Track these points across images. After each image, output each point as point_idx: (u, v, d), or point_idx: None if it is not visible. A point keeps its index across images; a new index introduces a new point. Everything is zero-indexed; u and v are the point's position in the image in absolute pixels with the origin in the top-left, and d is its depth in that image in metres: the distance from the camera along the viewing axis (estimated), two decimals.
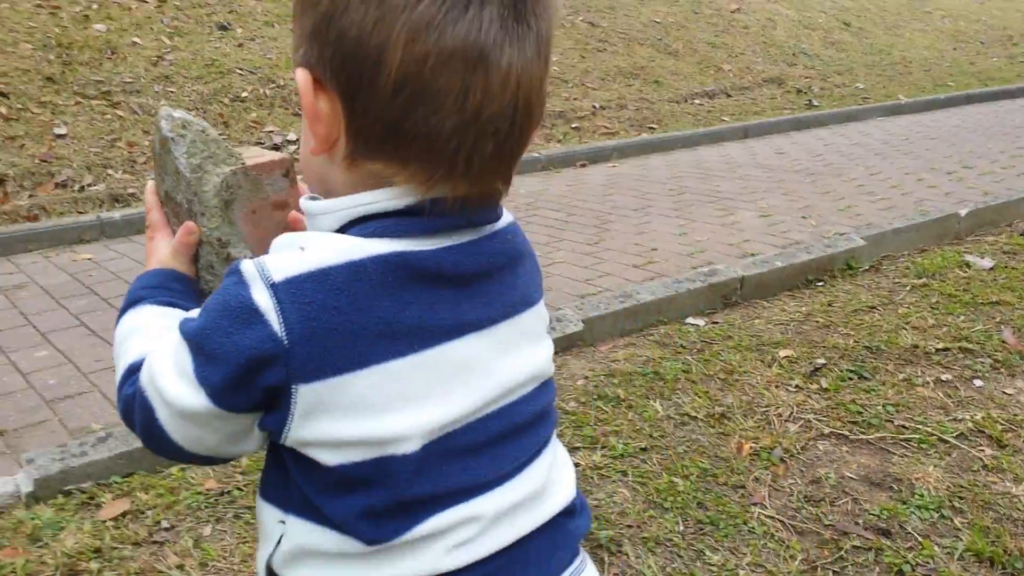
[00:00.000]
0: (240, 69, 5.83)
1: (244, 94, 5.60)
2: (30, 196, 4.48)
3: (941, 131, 7.17)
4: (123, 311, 0.83)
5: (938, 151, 6.25)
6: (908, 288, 3.43)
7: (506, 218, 0.80)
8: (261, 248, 0.82)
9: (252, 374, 0.67)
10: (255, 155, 0.89)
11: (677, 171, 5.82)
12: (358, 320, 0.68)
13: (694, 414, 2.44)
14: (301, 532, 0.74)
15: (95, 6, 6.07)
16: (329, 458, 0.70)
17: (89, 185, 4.62)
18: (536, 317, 0.82)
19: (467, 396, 0.74)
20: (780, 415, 2.46)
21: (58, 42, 5.53)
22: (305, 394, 0.68)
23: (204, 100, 5.45)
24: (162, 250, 0.88)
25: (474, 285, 0.75)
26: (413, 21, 0.64)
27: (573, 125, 6.76)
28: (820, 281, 3.54)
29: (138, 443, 2.12)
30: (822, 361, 2.78)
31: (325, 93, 0.69)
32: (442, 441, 0.73)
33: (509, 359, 0.77)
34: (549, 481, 0.82)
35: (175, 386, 0.71)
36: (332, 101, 0.69)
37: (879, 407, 2.50)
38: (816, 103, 8.26)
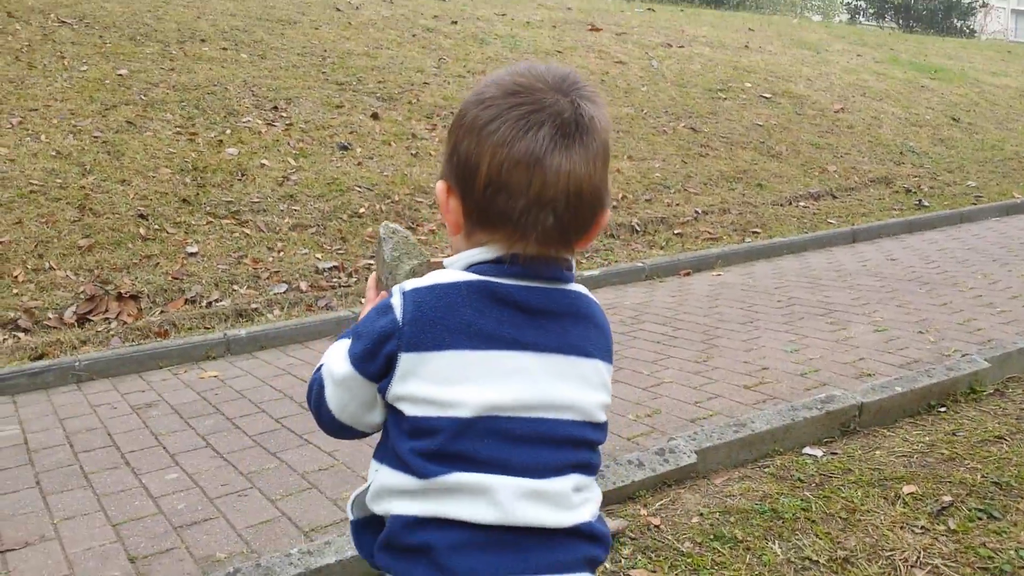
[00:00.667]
0: (359, 186, 6.14)
1: (361, 210, 5.88)
2: (161, 312, 4.77)
3: None
4: (337, 339, 1.18)
5: None
6: None
7: (579, 288, 1.13)
8: None
9: (380, 345, 1.05)
10: (437, 258, 1.26)
11: (784, 280, 5.76)
12: (448, 317, 1.03)
13: (815, 558, 2.36)
14: (385, 475, 1.07)
15: (228, 131, 6.55)
16: (410, 409, 1.04)
17: (216, 301, 4.89)
18: (593, 369, 1.11)
19: (516, 392, 1.04)
20: (906, 560, 2.36)
21: (194, 166, 5.97)
22: (405, 360, 1.03)
23: (324, 217, 5.75)
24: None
25: (536, 318, 1.06)
26: (495, 142, 1.00)
27: (676, 231, 6.79)
28: (943, 406, 3.41)
29: None
30: (949, 499, 2.67)
31: (452, 195, 1.07)
32: (489, 420, 1.03)
33: (558, 383, 1.07)
34: (573, 500, 1.07)
35: (336, 361, 1.11)
36: (456, 200, 1.06)
37: (1011, 551, 2.38)
38: (926, 203, 8.07)
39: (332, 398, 1.13)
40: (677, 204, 7.22)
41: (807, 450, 3.03)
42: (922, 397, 3.36)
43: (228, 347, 4.43)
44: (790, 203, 7.73)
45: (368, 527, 1.13)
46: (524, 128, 0.99)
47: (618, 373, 3.89)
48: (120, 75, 7.04)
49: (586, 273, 5.72)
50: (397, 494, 1.05)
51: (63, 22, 7.86)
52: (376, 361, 1.05)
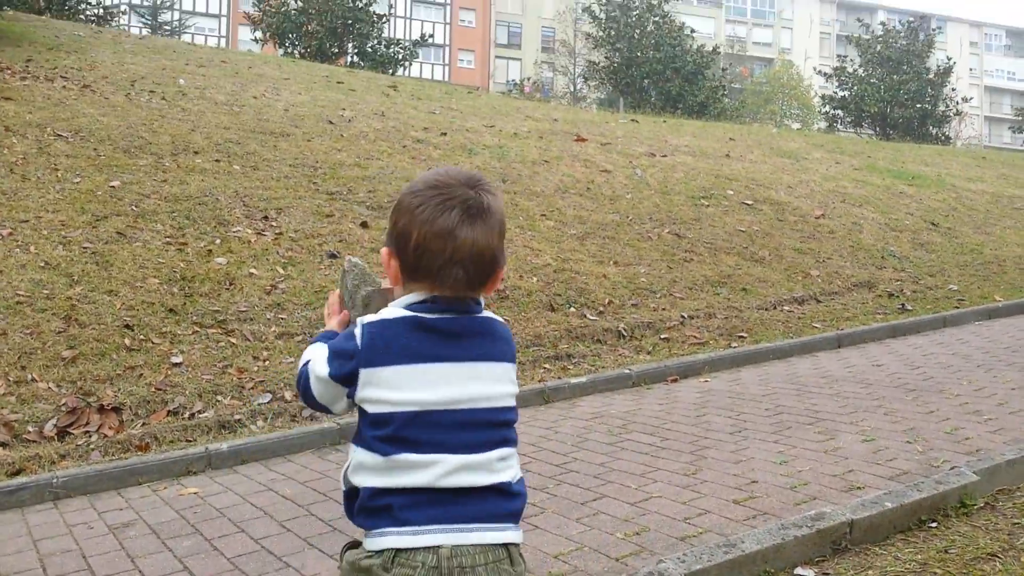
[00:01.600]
0: None
1: None
2: (143, 424, 4.71)
3: None
4: (312, 342, 1.63)
5: None
6: None
7: (486, 314, 1.55)
8: None
9: (346, 363, 1.49)
10: (386, 284, 1.65)
11: (771, 386, 5.75)
12: (392, 343, 1.48)
13: None
14: (359, 454, 1.51)
15: (218, 241, 6.61)
16: (370, 408, 1.48)
17: (199, 412, 4.84)
18: (501, 370, 1.54)
19: (443, 393, 1.47)
20: None
21: (182, 275, 6.00)
22: (363, 374, 1.48)
23: (311, 324, 5.74)
24: (332, 323, 1.72)
25: (453, 339, 1.50)
26: (421, 220, 1.45)
27: (662, 336, 6.82)
28: (934, 521, 3.36)
29: None
30: None
31: (393, 258, 1.52)
32: (426, 414, 1.46)
33: (474, 383, 1.50)
34: (496, 466, 1.50)
35: (319, 365, 1.53)
36: (395, 261, 1.51)
37: None
38: (909, 306, 8.16)
39: (315, 388, 1.56)
40: (663, 308, 7.28)
41: (798, 571, 2.97)
42: (912, 512, 3.32)
43: (209, 461, 4.36)
44: (775, 307, 7.80)
45: (352, 497, 1.53)
46: (441, 210, 1.44)
47: (605, 487, 3.84)
48: (112, 186, 7.14)
49: (573, 380, 5.71)
50: (366, 469, 1.49)
51: (59, 135, 8.02)
52: (343, 371, 1.50)
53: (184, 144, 8.43)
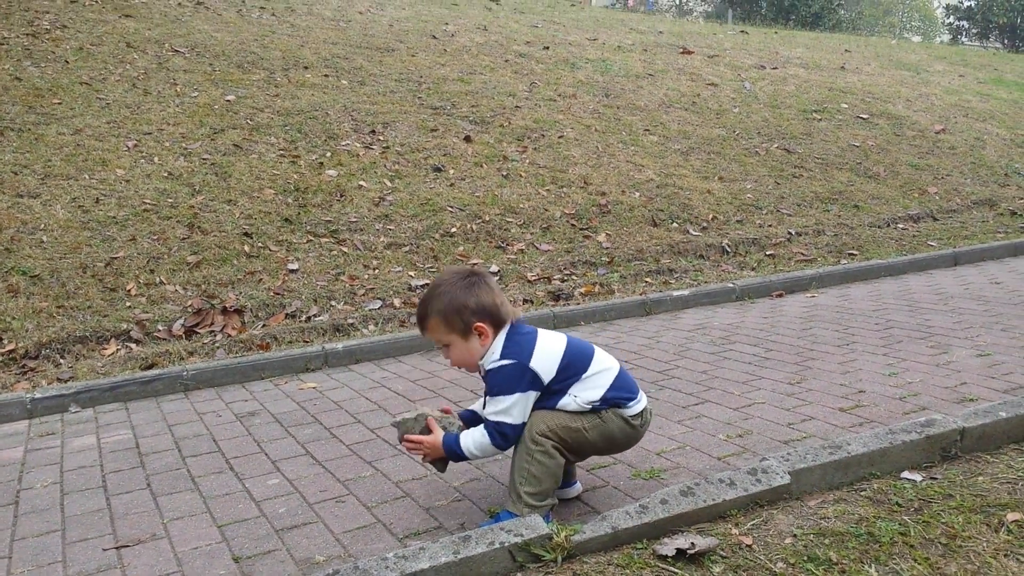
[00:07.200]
0: (451, 207, 6.28)
1: (453, 229, 6.01)
2: (263, 326, 4.97)
3: None
4: (454, 445, 2.56)
5: None
6: None
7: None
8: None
9: (524, 371, 2.52)
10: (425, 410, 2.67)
11: (882, 302, 5.61)
12: (524, 347, 2.56)
13: None
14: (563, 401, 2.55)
15: (329, 154, 6.80)
16: (544, 378, 2.53)
17: (314, 316, 5.07)
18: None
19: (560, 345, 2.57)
20: None
21: (296, 187, 6.22)
22: (531, 365, 2.51)
23: (417, 236, 5.90)
24: (439, 435, 2.62)
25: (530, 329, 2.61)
26: (486, 293, 2.55)
27: (768, 252, 6.70)
28: None
29: None
30: None
31: (486, 322, 2.51)
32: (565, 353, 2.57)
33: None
34: None
35: (517, 404, 2.51)
36: (488, 320, 2.52)
37: None
38: None
39: (518, 410, 2.48)
40: (769, 225, 7.13)
41: (905, 474, 2.95)
42: None
43: (326, 360, 4.58)
44: (888, 225, 7.54)
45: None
46: (491, 286, 2.57)
47: (707, 393, 3.87)
48: (228, 101, 7.39)
49: (675, 293, 5.70)
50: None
51: (176, 51, 8.30)
52: (529, 379, 2.50)
53: (294, 59, 8.61)
